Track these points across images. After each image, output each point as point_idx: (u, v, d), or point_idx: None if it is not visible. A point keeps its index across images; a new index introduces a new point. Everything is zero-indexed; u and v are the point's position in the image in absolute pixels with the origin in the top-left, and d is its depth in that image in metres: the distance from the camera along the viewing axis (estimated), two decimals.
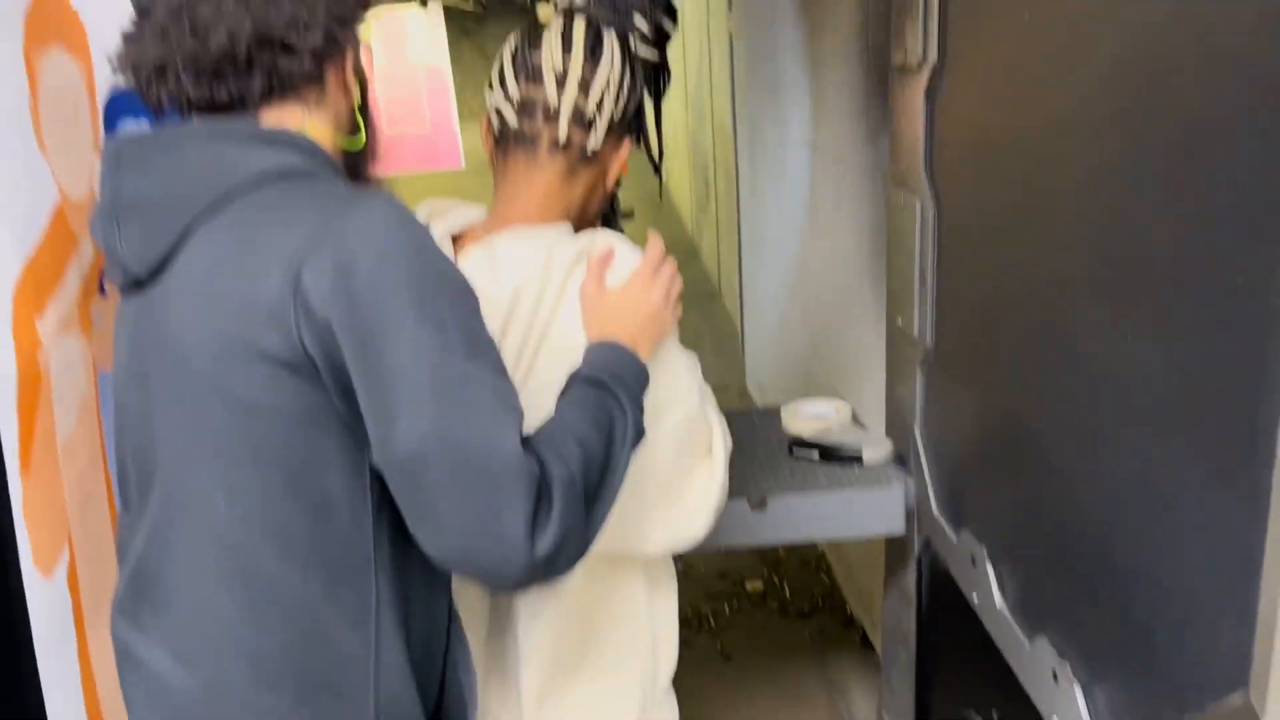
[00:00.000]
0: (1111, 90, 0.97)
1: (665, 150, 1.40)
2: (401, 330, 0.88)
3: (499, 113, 1.26)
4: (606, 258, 1.18)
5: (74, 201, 1.18)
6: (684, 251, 7.80)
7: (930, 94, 1.46)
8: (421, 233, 0.94)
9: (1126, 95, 0.94)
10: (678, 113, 7.75)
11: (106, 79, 1.25)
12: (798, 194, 3.09)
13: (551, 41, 1.23)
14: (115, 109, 1.28)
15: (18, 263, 1.07)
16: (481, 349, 0.92)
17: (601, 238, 1.21)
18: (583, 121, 1.23)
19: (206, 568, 0.95)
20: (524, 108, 1.23)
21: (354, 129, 1.07)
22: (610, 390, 1.03)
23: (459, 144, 6.72)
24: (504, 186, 1.27)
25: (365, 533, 0.96)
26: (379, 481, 0.94)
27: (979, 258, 1.37)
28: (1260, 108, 0.75)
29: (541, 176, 1.24)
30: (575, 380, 1.05)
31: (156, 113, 1.00)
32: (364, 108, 1.08)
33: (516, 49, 1.26)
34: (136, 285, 0.98)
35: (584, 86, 1.22)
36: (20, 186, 1.08)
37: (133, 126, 1.30)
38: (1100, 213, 1.00)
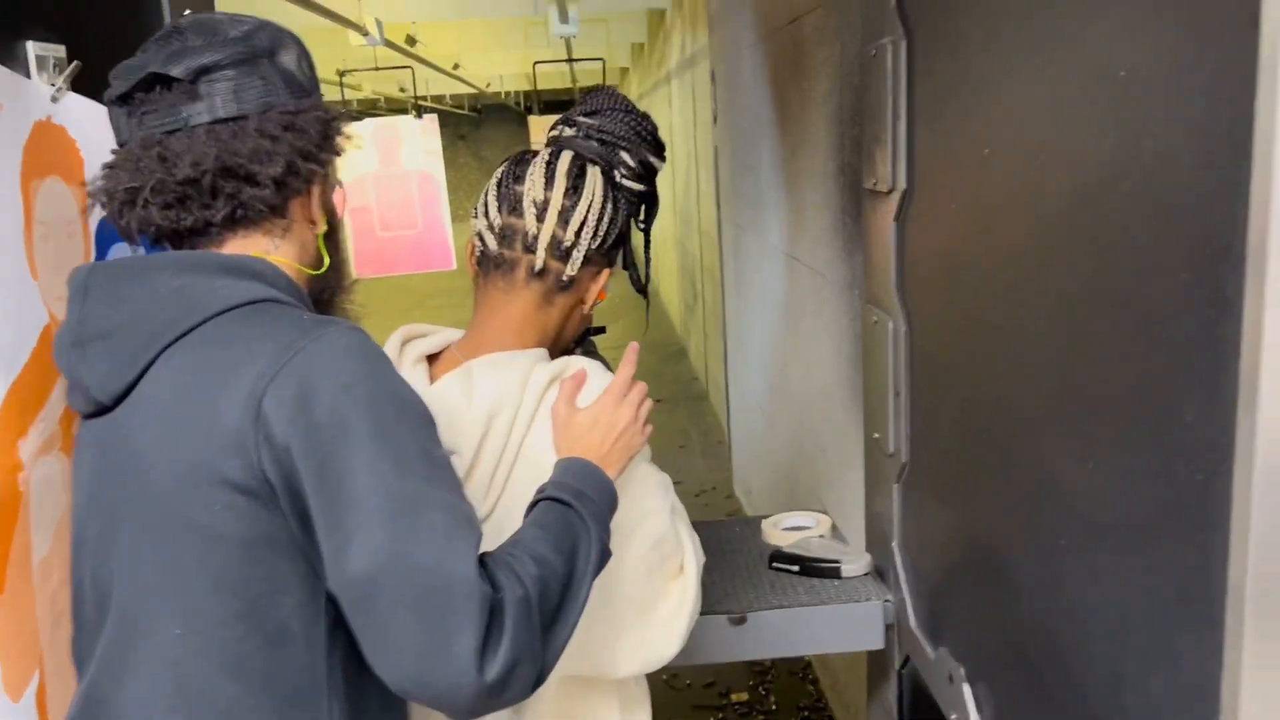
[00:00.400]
0: (1063, 227, 1.00)
1: (653, 263, 1.44)
2: (358, 455, 0.89)
3: (481, 237, 1.30)
4: (579, 380, 1.21)
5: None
6: (672, 351, 7.85)
7: (900, 218, 1.51)
8: (381, 360, 0.96)
9: (1077, 233, 0.98)
10: (666, 216, 7.90)
11: None
12: (779, 302, 3.14)
13: (535, 174, 1.27)
14: (108, 232, 1.32)
15: (2, 386, 1.09)
16: (438, 472, 0.93)
17: (576, 363, 1.24)
18: (560, 251, 1.26)
19: (158, 692, 0.95)
20: (504, 235, 1.28)
21: (319, 261, 1.10)
22: (574, 509, 1.03)
23: (451, 246, 6.82)
24: (483, 308, 1.30)
25: (319, 657, 0.96)
26: (334, 606, 0.94)
27: (949, 377, 1.40)
28: (1202, 247, 0.78)
29: (518, 301, 1.28)
30: (540, 498, 1.06)
31: (128, 238, 1.04)
32: (331, 240, 1.12)
33: (502, 178, 1.30)
34: (100, 410, 1.00)
35: (563, 218, 1.26)
36: (9, 313, 1.11)
37: (126, 250, 1.33)
38: (1057, 339, 1.03)
